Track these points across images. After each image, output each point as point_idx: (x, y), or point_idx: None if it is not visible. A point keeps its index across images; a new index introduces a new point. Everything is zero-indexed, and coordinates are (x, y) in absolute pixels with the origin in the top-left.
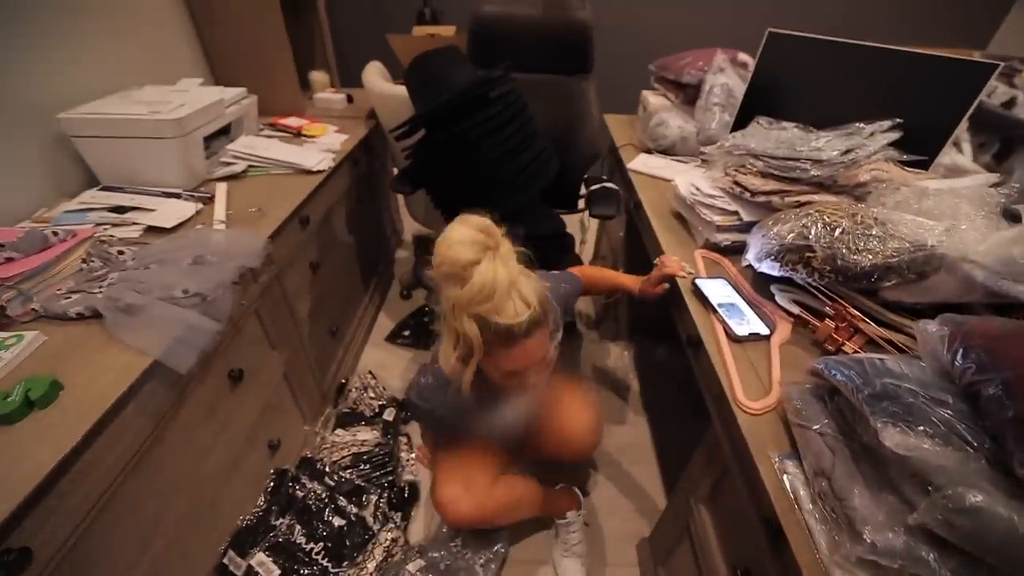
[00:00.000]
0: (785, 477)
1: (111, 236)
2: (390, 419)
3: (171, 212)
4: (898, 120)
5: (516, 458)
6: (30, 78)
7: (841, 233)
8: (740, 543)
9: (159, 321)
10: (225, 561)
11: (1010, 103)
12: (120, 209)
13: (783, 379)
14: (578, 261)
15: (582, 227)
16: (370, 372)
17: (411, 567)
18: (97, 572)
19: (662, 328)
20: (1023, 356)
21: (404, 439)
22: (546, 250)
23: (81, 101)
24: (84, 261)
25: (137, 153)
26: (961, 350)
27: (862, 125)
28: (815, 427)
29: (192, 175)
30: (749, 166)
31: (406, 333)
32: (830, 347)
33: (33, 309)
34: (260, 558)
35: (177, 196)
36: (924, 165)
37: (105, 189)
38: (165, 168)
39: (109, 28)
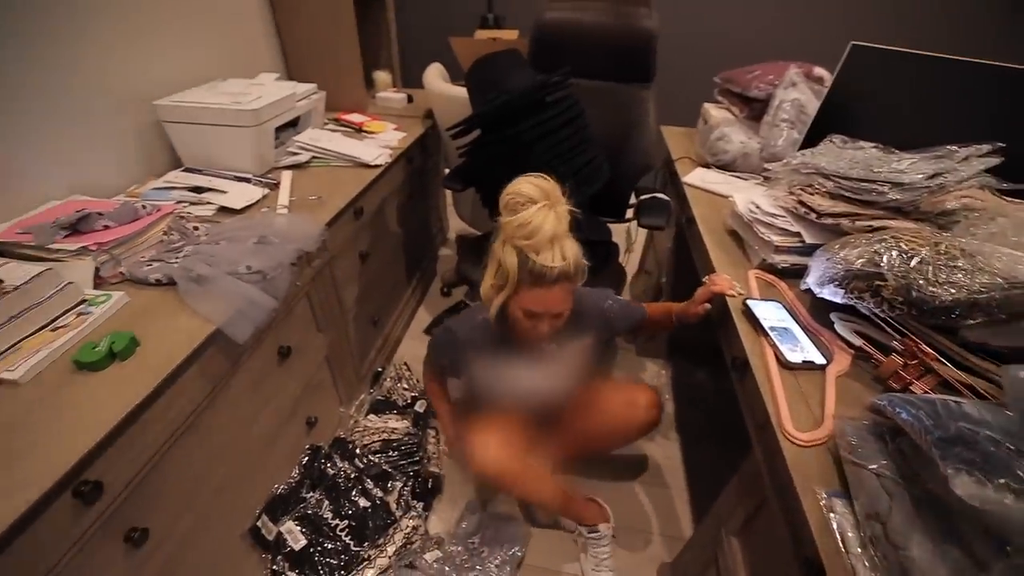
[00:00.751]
0: (832, 516)
1: (188, 213)
2: (421, 411)
3: (241, 195)
4: (999, 144)
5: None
6: (131, 67)
7: (919, 263)
8: None
9: (224, 293)
10: (259, 524)
11: None
12: (198, 189)
13: (837, 413)
14: (620, 271)
15: (628, 237)
16: (405, 363)
17: (428, 556)
18: (153, 514)
19: (702, 352)
20: None
21: (432, 432)
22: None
23: (173, 90)
24: (165, 234)
25: (217, 139)
26: None
27: (955, 148)
28: (872, 467)
29: (262, 162)
30: (817, 186)
31: None
32: (895, 384)
33: (121, 272)
34: (289, 526)
35: (247, 180)
36: (1021, 196)
37: (187, 170)
38: (239, 154)
39: (200, 23)
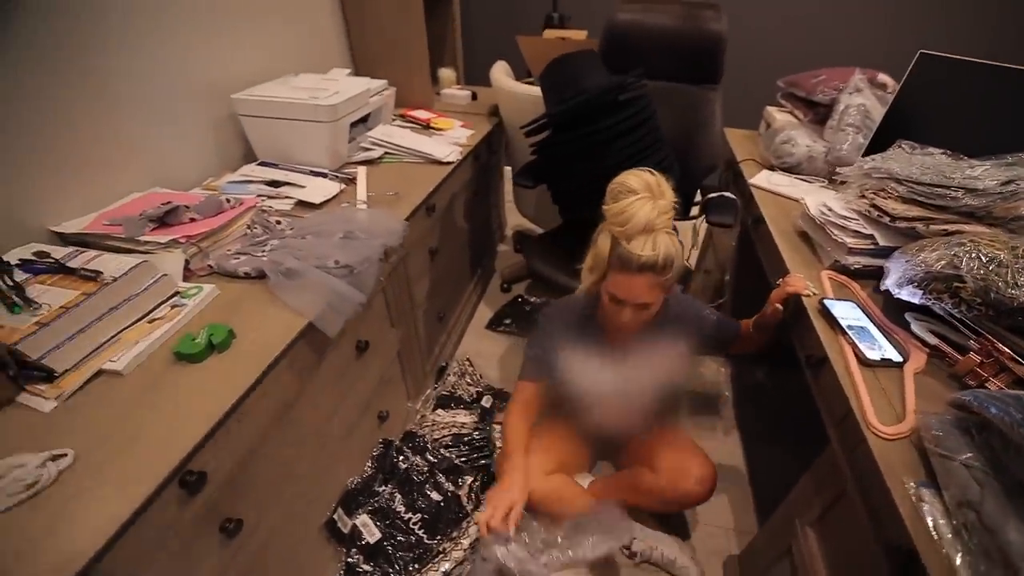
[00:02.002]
0: (922, 505)
1: (269, 207)
2: (488, 406)
3: (319, 189)
4: None
5: (599, 454)
6: (208, 61)
7: (998, 266)
8: (852, 567)
9: (314, 287)
10: (335, 517)
11: None
12: (275, 183)
13: (918, 408)
14: (685, 268)
15: (695, 233)
16: (468, 359)
17: (499, 551)
18: (246, 505)
19: (759, 353)
20: None
21: (497, 427)
22: None
23: (247, 84)
24: (249, 227)
25: (293, 133)
26: None
27: None
28: (960, 458)
29: (337, 157)
30: (890, 190)
31: (508, 321)
32: (971, 382)
33: (209, 265)
34: (364, 519)
35: (323, 175)
36: None
37: (262, 164)
38: (315, 149)
39: (272, 19)
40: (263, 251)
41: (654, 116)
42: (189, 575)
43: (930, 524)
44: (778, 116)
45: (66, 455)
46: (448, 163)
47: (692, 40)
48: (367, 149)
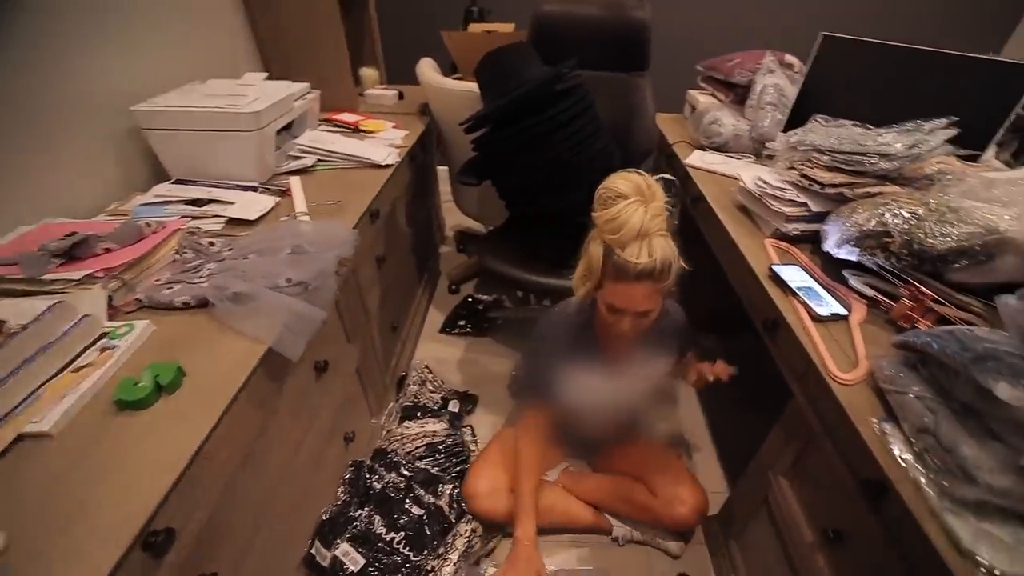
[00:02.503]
0: (887, 438)
1: (198, 228)
2: (456, 410)
3: (251, 205)
4: (954, 118)
5: (582, 454)
6: (95, 73)
7: (917, 220)
8: (828, 508)
9: (268, 309)
10: (312, 551)
11: None
12: (198, 202)
13: (868, 354)
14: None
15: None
16: (426, 366)
17: (488, 561)
18: (220, 556)
19: (710, 321)
20: None
21: (468, 430)
22: None
23: (145, 95)
24: (177, 252)
25: (212, 146)
26: None
27: (921, 123)
28: (912, 392)
29: (264, 169)
30: (815, 160)
31: (462, 322)
32: (905, 325)
33: (137, 299)
34: (344, 548)
35: (253, 189)
36: (973, 160)
37: (179, 183)
38: (239, 161)
39: (168, 21)
40: (200, 277)
41: (593, 105)
42: None
43: (896, 454)
44: (701, 99)
45: None
46: (387, 166)
47: (618, 28)
48: (297, 157)
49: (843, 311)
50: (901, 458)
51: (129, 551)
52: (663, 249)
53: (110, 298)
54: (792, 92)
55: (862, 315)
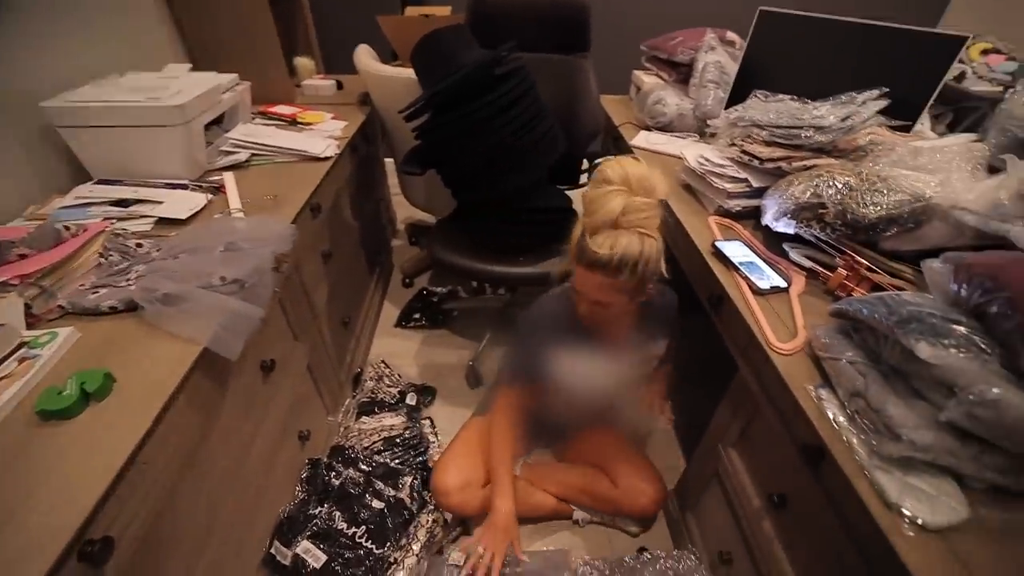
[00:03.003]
0: (823, 403)
1: (124, 229)
2: (413, 403)
3: (181, 203)
4: (885, 89)
5: (547, 442)
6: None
7: (850, 190)
8: (772, 474)
9: (202, 309)
10: (272, 551)
11: (960, 77)
12: (124, 202)
13: (806, 323)
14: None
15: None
16: (382, 361)
17: (452, 547)
18: (168, 563)
19: None
20: (1018, 278)
21: (427, 422)
22: (557, 223)
23: (60, 89)
24: (102, 255)
25: (136, 143)
26: (966, 279)
27: (854, 94)
28: (845, 357)
29: (194, 165)
30: (755, 136)
31: (416, 316)
32: (841, 294)
33: (60, 306)
34: (305, 545)
35: (183, 187)
36: (906, 130)
37: (101, 182)
38: (166, 158)
39: (77, 10)
40: (128, 280)
41: (534, 87)
42: None
43: (831, 417)
44: (646, 79)
45: None
46: (326, 158)
47: (558, 9)
48: (230, 152)
49: (783, 283)
50: (835, 422)
51: (62, 561)
52: (629, 247)
53: (28, 306)
54: (733, 69)
55: (801, 286)
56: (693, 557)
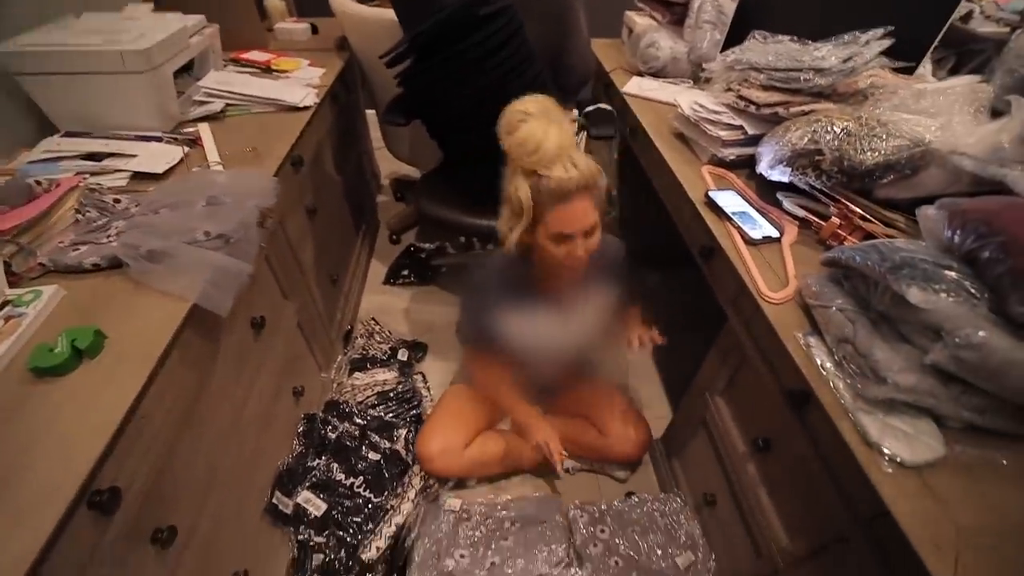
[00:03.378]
0: (811, 350)
1: (99, 185)
2: (405, 359)
3: (156, 156)
4: (890, 28)
5: (533, 398)
6: None
7: (848, 136)
8: (757, 420)
9: (188, 264)
10: (274, 501)
11: (967, 17)
12: (95, 156)
13: (797, 273)
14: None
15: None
16: (372, 318)
17: (447, 493)
18: (174, 511)
19: (653, 257)
20: (1013, 222)
21: (420, 377)
22: None
23: (9, 33)
24: (78, 211)
25: (99, 91)
26: (960, 225)
27: (857, 34)
28: (835, 305)
29: (166, 116)
30: (752, 80)
31: (405, 272)
32: (833, 243)
33: (41, 264)
34: (306, 495)
35: (157, 140)
36: (908, 72)
37: (69, 135)
38: (135, 108)
39: None
40: (108, 237)
41: (522, 28)
42: None
43: (818, 363)
44: (639, 20)
45: None
46: (305, 108)
47: None
48: (203, 102)
49: (775, 233)
50: (823, 367)
51: (73, 509)
52: (586, 160)
53: (8, 264)
54: (731, 8)
55: (793, 236)
56: (679, 499)
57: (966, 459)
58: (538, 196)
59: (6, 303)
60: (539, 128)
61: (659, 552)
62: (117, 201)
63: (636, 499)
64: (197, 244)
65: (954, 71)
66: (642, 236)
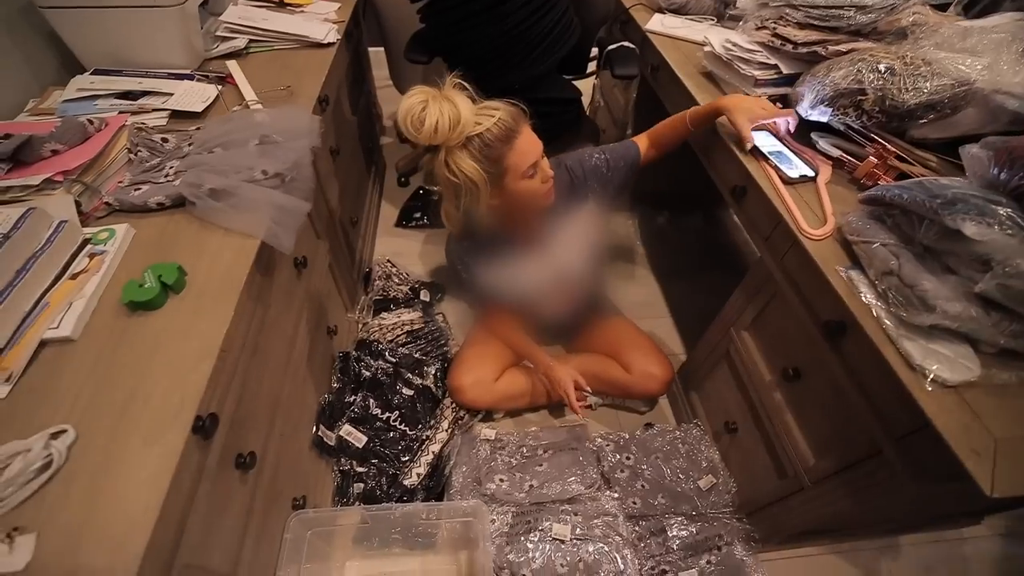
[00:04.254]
0: (853, 283)
1: (143, 124)
2: (427, 299)
3: (191, 95)
4: None
5: (556, 338)
6: None
7: (892, 75)
8: (786, 351)
9: (252, 203)
10: (320, 434)
11: None
12: (129, 95)
13: (835, 211)
14: (595, 127)
15: (596, 92)
16: (388, 260)
17: (480, 424)
18: (251, 438)
19: (663, 198)
20: None
21: (440, 317)
22: (561, 116)
23: None
24: (130, 151)
25: (128, 26)
26: (1009, 162)
27: None
28: (878, 240)
29: (193, 53)
30: (788, 18)
31: (417, 215)
32: (868, 183)
33: (105, 203)
34: (347, 428)
35: (189, 77)
36: (943, 8)
37: (99, 72)
38: (164, 44)
39: None
40: (166, 176)
41: None
42: (224, 515)
43: (861, 295)
44: None
45: (66, 430)
46: (329, 44)
47: None
48: (227, 38)
49: (811, 172)
50: (865, 298)
51: (189, 432)
52: (496, 101)
53: (77, 203)
54: None
55: (828, 175)
56: (698, 428)
57: (999, 379)
58: (488, 152)
59: (85, 242)
60: (436, 107)
61: (681, 476)
62: (165, 140)
63: (657, 429)
64: (256, 183)
65: (968, 8)
66: (654, 179)
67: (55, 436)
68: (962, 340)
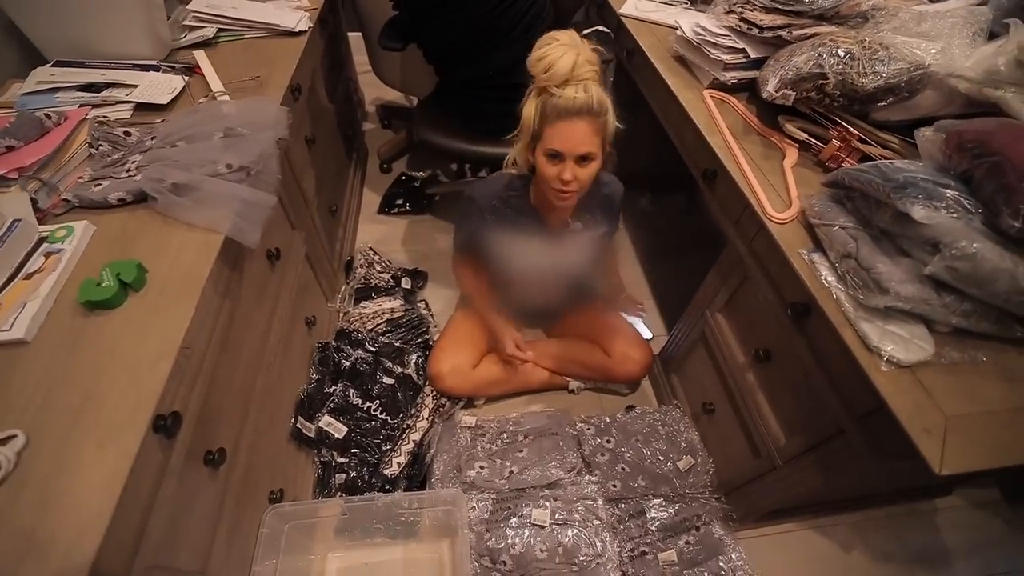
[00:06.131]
0: (815, 266)
1: (105, 117)
2: (408, 287)
3: (157, 86)
4: None
5: (537, 322)
6: None
7: (851, 59)
8: (758, 333)
9: (215, 198)
10: (298, 426)
11: None
12: (93, 87)
13: (799, 194)
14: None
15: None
16: (370, 248)
17: (461, 412)
18: (221, 434)
19: (645, 180)
20: (1007, 143)
21: (423, 304)
22: None
23: None
24: (91, 145)
25: (88, 14)
26: (957, 146)
27: None
28: (839, 222)
29: (159, 42)
30: (755, 2)
31: (399, 201)
32: (832, 165)
33: (64, 200)
34: (327, 419)
35: (155, 68)
36: None
37: (61, 64)
38: (128, 33)
39: None
40: (127, 171)
41: None
42: (191, 513)
43: (822, 277)
44: None
45: (15, 435)
46: (300, 32)
47: None
48: (194, 28)
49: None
50: (826, 281)
51: (147, 433)
52: (599, 92)
53: (34, 200)
54: None
55: (794, 159)
56: (678, 410)
57: (952, 358)
58: (544, 111)
59: (41, 240)
60: (558, 50)
61: (661, 457)
62: (128, 134)
63: (638, 411)
64: (220, 177)
65: None
66: (635, 160)
67: (3, 442)
68: (917, 320)
